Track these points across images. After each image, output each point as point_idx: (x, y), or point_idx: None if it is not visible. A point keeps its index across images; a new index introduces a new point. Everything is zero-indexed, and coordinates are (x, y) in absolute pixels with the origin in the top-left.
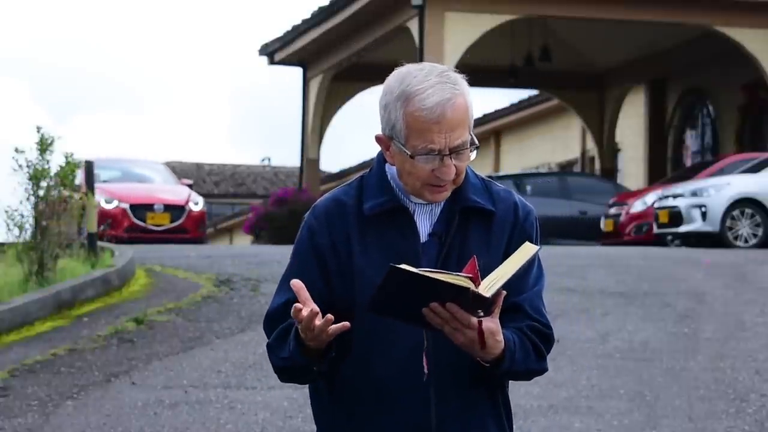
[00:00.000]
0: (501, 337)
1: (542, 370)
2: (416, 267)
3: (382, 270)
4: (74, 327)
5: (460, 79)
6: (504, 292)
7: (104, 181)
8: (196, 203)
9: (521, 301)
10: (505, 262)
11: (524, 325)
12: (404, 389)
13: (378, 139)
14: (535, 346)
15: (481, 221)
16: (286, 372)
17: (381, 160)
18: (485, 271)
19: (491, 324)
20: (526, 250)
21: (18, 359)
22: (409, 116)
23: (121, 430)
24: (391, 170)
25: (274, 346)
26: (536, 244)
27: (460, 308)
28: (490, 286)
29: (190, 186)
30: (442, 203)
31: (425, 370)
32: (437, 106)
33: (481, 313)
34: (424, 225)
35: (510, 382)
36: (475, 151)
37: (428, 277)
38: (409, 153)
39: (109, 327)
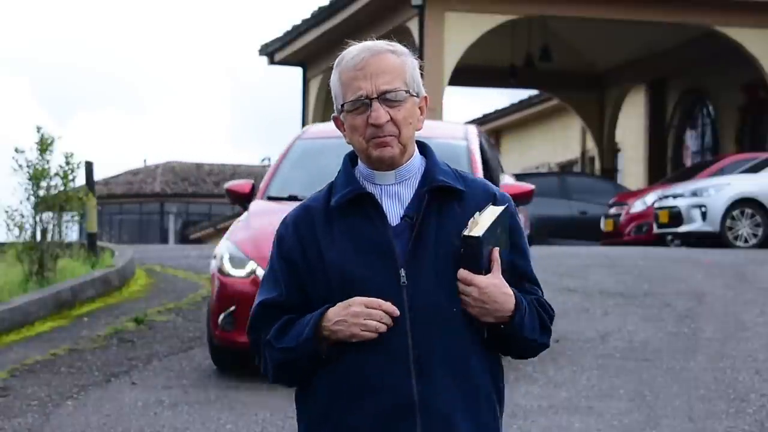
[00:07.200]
0: (509, 290)
1: (544, 344)
2: (390, 251)
3: (352, 259)
4: (74, 327)
5: (401, 47)
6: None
7: None
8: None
9: (523, 268)
10: (477, 219)
11: (533, 297)
12: (387, 371)
13: (334, 120)
14: (541, 318)
15: (455, 203)
16: (285, 366)
17: (347, 160)
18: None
19: (495, 279)
20: (493, 211)
21: (18, 359)
22: (341, 76)
23: (121, 430)
24: (358, 167)
25: (272, 341)
26: (520, 232)
27: (467, 269)
28: (472, 228)
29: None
30: (413, 188)
31: None
32: (360, 53)
33: (483, 272)
34: (395, 209)
35: (505, 383)
36: (419, 102)
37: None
38: (342, 108)
39: (109, 327)
